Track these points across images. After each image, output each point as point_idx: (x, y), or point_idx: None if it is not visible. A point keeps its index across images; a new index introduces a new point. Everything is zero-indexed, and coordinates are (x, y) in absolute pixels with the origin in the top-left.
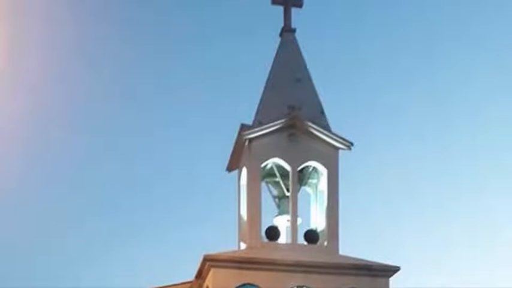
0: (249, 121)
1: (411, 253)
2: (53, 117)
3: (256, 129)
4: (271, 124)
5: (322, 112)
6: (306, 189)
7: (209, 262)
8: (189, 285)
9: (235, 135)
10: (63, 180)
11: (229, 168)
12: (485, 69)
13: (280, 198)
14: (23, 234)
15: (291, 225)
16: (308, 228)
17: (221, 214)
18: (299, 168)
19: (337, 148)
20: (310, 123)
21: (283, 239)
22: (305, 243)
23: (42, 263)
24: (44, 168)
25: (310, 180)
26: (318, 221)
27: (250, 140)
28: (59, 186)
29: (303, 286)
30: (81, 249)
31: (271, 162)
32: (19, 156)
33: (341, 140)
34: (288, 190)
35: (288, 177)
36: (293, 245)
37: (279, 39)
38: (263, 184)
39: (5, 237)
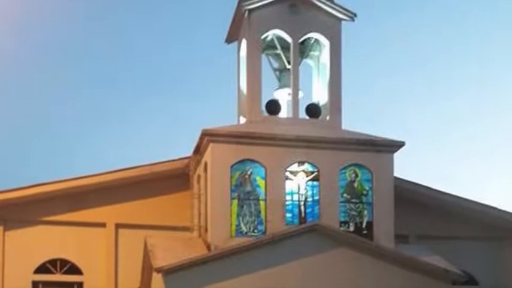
0: None
1: (416, 128)
2: None
3: None
4: None
5: None
6: (308, 61)
7: (208, 137)
8: (186, 161)
9: (235, 5)
10: (61, 53)
11: (229, 40)
12: None
13: (281, 71)
14: (19, 108)
15: (292, 99)
16: (310, 102)
17: (220, 87)
18: (300, 40)
19: (340, 19)
20: None
21: (284, 113)
22: (307, 117)
23: (37, 138)
24: (40, 42)
25: (312, 53)
26: (320, 95)
27: (250, 10)
28: (56, 59)
29: (304, 162)
30: (76, 123)
31: (271, 33)
32: (16, 30)
33: (344, 11)
34: (289, 63)
35: (289, 49)
36: (294, 119)
37: None
38: (263, 56)
39: (2, 112)
